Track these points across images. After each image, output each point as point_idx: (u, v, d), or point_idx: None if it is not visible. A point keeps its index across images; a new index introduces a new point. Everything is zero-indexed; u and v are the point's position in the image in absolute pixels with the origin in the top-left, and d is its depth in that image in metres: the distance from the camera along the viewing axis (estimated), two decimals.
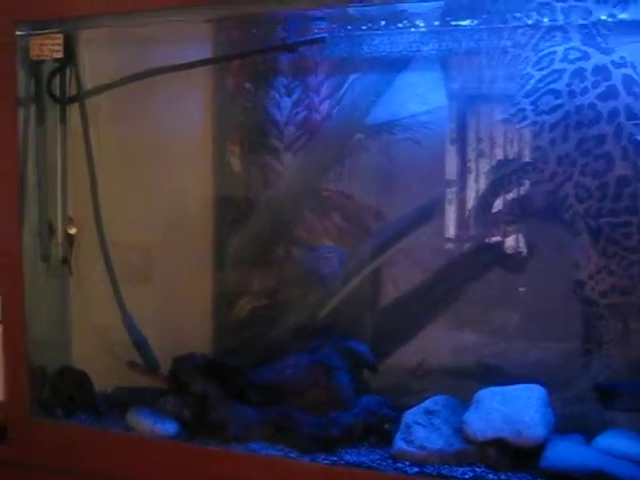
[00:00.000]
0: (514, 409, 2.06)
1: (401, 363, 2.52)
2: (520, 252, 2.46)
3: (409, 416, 2.16)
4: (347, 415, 2.22)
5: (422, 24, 2.39)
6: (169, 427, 2.32)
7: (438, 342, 2.51)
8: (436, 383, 2.42)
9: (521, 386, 2.14)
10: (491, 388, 2.15)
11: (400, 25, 2.37)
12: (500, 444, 2.03)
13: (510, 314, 2.44)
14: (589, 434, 2.13)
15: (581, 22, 2.31)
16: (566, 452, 1.98)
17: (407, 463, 2.06)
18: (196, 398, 2.34)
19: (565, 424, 2.17)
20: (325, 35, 2.40)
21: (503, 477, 1.99)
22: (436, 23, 2.36)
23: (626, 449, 2.00)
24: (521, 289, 2.44)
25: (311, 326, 2.55)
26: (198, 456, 2.22)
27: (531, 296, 2.43)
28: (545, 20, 2.32)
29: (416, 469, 2.04)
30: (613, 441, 2.05)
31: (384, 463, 2.09)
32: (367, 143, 2.55)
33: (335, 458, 2.12)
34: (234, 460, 2.19)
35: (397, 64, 2.51)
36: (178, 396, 2.36)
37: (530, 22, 2.35)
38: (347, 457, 2.13)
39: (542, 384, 2.19)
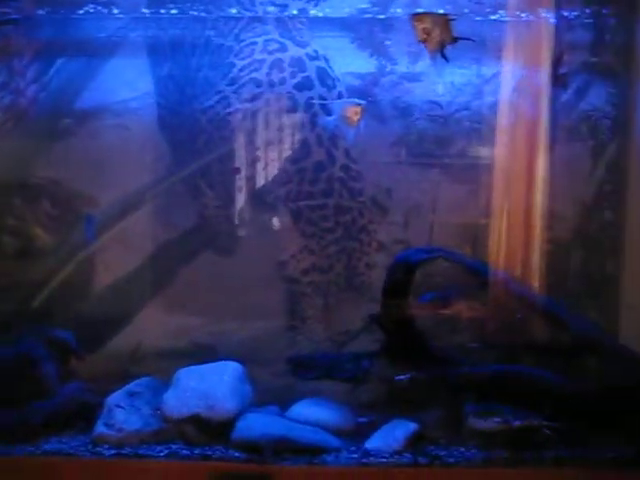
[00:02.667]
0: (208, 386, 2.14)
1: (119, 348, 2.53)
2: (229, 235, 2.56)
3: (111, 400, 2.18)
4: (49, 404, 2.20)
5: (125, 10, 2.40)
6: None
7: (153, 326, 2.54)
8: (152, 366, 2.46)
9: (217, 364, 2.22)
10: (189, 367, 2.22)
11: (99, 9, 2.36)
12: (196, 420, 2.11)
13: (222, 295, 2.54)
14: (291, 404, 2.26)
15: (277, 15, 2.44)
16: (254, 423, 2.09)
17: (106, 446, 2.09)
18: None
19: (271, 396, 2.29)
20: (17, 17, 2.33)
21: (197, 451, 2.06)
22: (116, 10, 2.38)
23: (313, 415, 2.17)
24: (232, 271, 2.54)
25: (20, 316, 2.49)
26: None
27: (242, 277, 2.53)
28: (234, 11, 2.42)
29: (113, 451, 2.07)
30: (304, 409, 2.20)
31: (83, 448, 2.09)
32: (76, 129, 2.53)
33: (32, 448, 2.09)
34: None
35: (105, 49, 2.50)
36: None
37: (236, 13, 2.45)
38: (46, 446, 2.10)
39: (251, 360, 2.30)
